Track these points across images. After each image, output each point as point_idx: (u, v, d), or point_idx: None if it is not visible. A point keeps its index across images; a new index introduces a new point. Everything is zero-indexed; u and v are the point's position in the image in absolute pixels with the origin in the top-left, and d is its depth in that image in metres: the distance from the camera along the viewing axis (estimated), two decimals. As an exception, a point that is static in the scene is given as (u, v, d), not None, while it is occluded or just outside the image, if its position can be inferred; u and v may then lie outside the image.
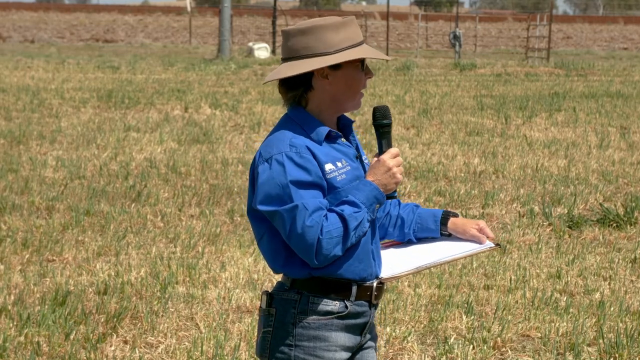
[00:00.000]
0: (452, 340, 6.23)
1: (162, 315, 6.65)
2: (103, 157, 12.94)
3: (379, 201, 3.27)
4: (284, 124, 3.34)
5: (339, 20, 3.33)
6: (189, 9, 56.13)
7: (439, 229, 3.53)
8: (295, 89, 3.33)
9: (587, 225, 9.38)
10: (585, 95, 21.98)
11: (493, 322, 6.54)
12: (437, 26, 63.93)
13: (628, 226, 9.36)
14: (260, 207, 3.25)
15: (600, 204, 10.01)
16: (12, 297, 6.96)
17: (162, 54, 40.62)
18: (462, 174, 12.10)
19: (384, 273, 3.40)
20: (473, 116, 17.89)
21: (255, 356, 3.47)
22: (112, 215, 9.53)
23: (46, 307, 6.66)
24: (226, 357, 5.91)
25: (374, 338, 3.53)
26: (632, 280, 7.70)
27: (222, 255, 8.23)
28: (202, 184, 11.20)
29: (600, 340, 6.19)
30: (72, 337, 6.16)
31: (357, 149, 3.44)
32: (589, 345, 6.21)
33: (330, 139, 3.34)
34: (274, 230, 3.28)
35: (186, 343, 6.15)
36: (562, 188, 11.24)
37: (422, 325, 6.52)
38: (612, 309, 6.88)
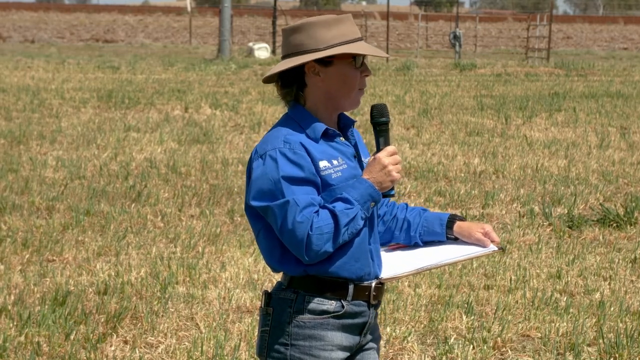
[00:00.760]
0: (452, 340, 6.23)
1: (162, 315, 6.64)
2: (103, 157, 12.94)
3: (374, 199, 3.26)
4: (283, 122, 3.36)
5: (332, 17, 3.34)
6: (189, 9, 56.14)
7: (445, 232, 3.52)
8: (289, 86, 3.36)
9: (587, 225, 9.38)
10: (585, 95, 21.98)
11: (493, 322, 6.54)
12: (437, 26, 63.93)
13: (628, 226, 9.36)
14: (253, 203, 3.26)
15: (600, 204, 10.01)
16: (12, 297, 6.96)
17: (162, 54, 40.63)
18: (462, 174, 12.10)
19: (385, 273, 3.40)
20: (473, 116, 17.90)
21: (255, 356, 3.46)
22: (112, 215, 9.53)
23: (46, 307, 6.66)
24: (226, 357, 5.91)
25: (377, 339, 3.52)
26: (632, 280, 7.70)
27: (222, 255, 8.23)
28: (202, 184, 11.20)
29: (600, 340, 6.19)
30: (72, 337, 6.16)
31: (357, 148, 3.44)
32: (589, 345, 6.21)
33: (327, 136, 3.34)
34: (269, 227, 3.29)
35: (186, 343, 6.15)
36: (562, 188, 11.24)
37: (422, 325, 6.52)
38: (612, 309, 6.88)
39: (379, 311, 3.56)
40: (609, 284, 7.56)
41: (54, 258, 8.11)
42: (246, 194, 3.33)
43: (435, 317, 6.63)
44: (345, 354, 3.37)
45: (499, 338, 6.25)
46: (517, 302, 7.01)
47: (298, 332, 3.31)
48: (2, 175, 11.54)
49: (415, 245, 3.54)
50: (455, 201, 10.49)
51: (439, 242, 3.54)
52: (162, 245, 8.54)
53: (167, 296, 7.02)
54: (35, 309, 6.65)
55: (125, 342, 6.19)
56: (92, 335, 6.20)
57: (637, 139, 15.19)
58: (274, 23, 40.15)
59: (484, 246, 3.49)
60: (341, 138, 3.39)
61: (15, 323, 6.41)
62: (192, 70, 28.57)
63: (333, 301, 3.32)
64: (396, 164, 3.29)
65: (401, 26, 70.81)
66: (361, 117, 15.51)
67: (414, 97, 21.27)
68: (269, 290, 3.40)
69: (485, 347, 6.11)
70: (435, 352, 6.08)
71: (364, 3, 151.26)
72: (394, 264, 3.44)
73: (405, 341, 6.21)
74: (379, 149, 3.34)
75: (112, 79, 25.05)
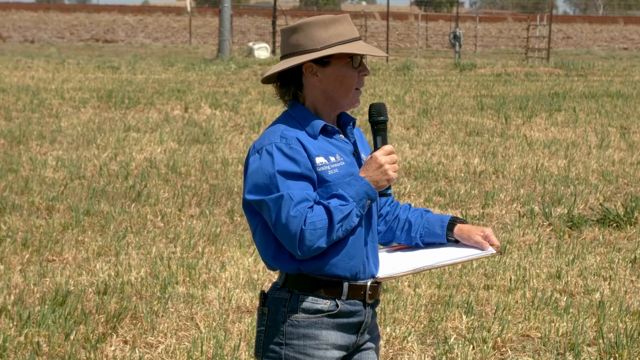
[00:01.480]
0: (452, 340, 6.23)
1: (162, 315, 6.64)
2: (103, 157, 12.94)
3: (370, 197, 3.26)
4: (282, 118, 3.37)
5: (329, 17, 3.35)
6: (189, 9, 56.12)
7: (446, 234, 3.52)
8: (287, 86, 3.37)
9: (587, 225, 9.38)
10: (585, 95, 21.98)
11: (493, 322, 6.54)
12: (437, 26, 63.93)
13: (628, 226, 9.36)
14: (248, 197, 3.28)
15: (600, 204, 10.01)
16: (12, 297, 6.96)
17: (162, 54, 40.63)
18: (462, 174, 12.10)
19: (381, 272, 3.41)
20: (473, 116, 17.90)
21: (254, 356, 3.47)
22: (112, 215, 9.53)
23: (46, 307, 6.65)
24: (226, 357, 5.91)
25: (376, 339, 3.52)
26: (632, 280, 7.70)
27: (222, 255, 8.23)
28: (202, 184, 11.20)
29: (600, 340, 6.19)
30: (72, 337, 6.16)
31: (356, 145, 3.44)
32: (589, 345, 6.21)
33: (326, 133, 3.35)
34: (266, 223, 3.29)
35: (186, 343, 6.15)
36: (562, 188, 11.24)
37: (422, 325, 6.52)
38: (612, 309, 6.88)
39: (378, 311, 3.56)
40: (609, 284, 7.56)
41: (54, 258, 8.11)
42: (243, 188, 3.35)
43: (435, 317, 6.63)
44: (341, 353, 3.37)
45: (498, 338, 6.25)
46: (517, 302, 7.01)
47: (292, 331, 3.31)
48: (2, 175, 11.54)
49: (416, 246, 3.55)
50: (455, 201, 10.49)
51: (440, 244, 3.54)
52: (162, 245, 8.53)
53: (167, 296, 7.02)
54: (35, 309, 6.65)
55: (125, 342, 6.19)
56: (92, 335, 6.19)
57: (637, 139, 15.19)
58: (273, 23, 40.14)
59: (482, 249, 3.49)
60: (340, 135, 3.39)
61: (15, 323, 6.41)
62: (192, 70, 28.57)
63: (327, 300, 3.32)
64: (393, 164, 3.29)
65: (401, 26, 70.81)
66: (361, 117, 15.50)
67: (413, 97, 21.27)
68: (265, 291, 3.41)
69: (485, 347, 6.10)
70: (435, 352, 6.08)
71: (364, 3, 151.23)
72: (391, 263, 3.45)
73: (405, 341, 6.21)
74: (376, 148, 3.34)
75: (112, 79, 25.05)
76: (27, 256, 8.11)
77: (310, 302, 3.31)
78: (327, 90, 3.34)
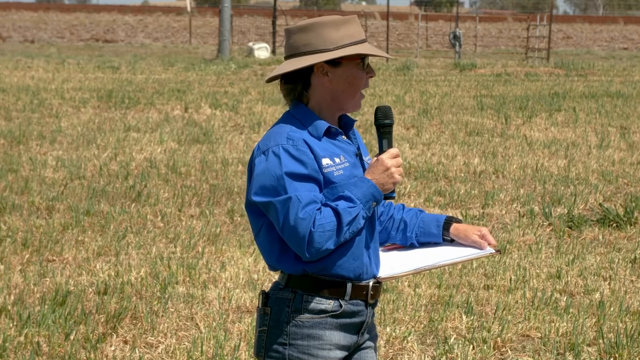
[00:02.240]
0: (452, 340, 6.23)
1: (162, 315, 6.65)
2: (103, 157, 12.94)
3: (376, 199, 3.27)
4: (284, 119, 3.37)
5: (339, 18, 3.35)
6: (189, 9, 56.12)
7: (441, 234, 3.53)
8: (293, 85, 3.35)
9: (587, 225, 9.38)
10: (585, 95, 21.98)
11: (493, 322, 6.54)
12: (437, 26, 63.92)
13: (628, 226, 9.36)
14: (255, 198, 3.27)
15: (600, 204, 10.01)
16: (12, 297, 6.96)
17: (162, 54, 40.63)
18: (462, 174, 12.10)
19: (382, 273, 3.41)
20: (473, 116, 17.90)
21: (254, 356, 3.46)
22: (112, 215, 9.53)
23: (46, 307, 6.65)
24: (226, 357, 5.91)
25: (374, 338, 3.53)
26: (632, 280, 7.70)
27: (222, 255, 8.23)
28: (202, 184, 11.20)
29: (600, 340, 6.19)
30: (72, 337, 6.16)
31: (358, 146, 3.44)
32: (589, 345, 6.21)
33: (330, 134, 3.35)
34: (271, 224, 3.29)
35: (186, 343, 6.15)
36: (562, 188, 11.25)
37: (422, 325, 6.52)
38: (612, 309, 6.88)
39: (376, 310, 3.56)
40: (609, 284, 7.56)
41: (54, 258, 8.11)
42: (247, 190, 3.34)
43: (435, 317, 6.63)
44: (343, 353, 3.38)
45: (498, 338, 6.25)
46: (517, 302, 7.01)
47: (296, 332, 3.31)
48: (2, 175, 11.54)
49: (412, 246, 3.55)
50: (455, 201, 10.49)
51: (435, 244, 3.54)
52: (162, 245, 8.54)
53: (167, 296, 7.02)
54: (35, 309, 6.65)
55: (125, 342, 6.19)
56: (92, 335, 6.20)
57: (637, 139, 15.19)
58: (273, 23, 40.14)
59: (480, 248, 3.49)
60: (343, 136, 3.39)
61: (15, 323, 6.41)
62: (192, 70, 28.57)
63: (331, 300, 3.32)
64: (398, 167, 3.30)
65: (401, 26, 70.82)
66: (361, 117, 15.51)
67: (414, 97, 21.27)
68: (267, 290, 3.41)
69: (485, 347, 6.11)
70: (435, 352, 6.08)
71: (364, 3, 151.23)
72: (392, 263, 3.45)
73: (405, 341, 6.21)
74: (382, 151, 3.34)
75: (112, 79, 25.05)
76: (27, 256, 8.11)
77: (315, 302, 3.31)
78: (335, 90, 3.34)
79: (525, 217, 9.78)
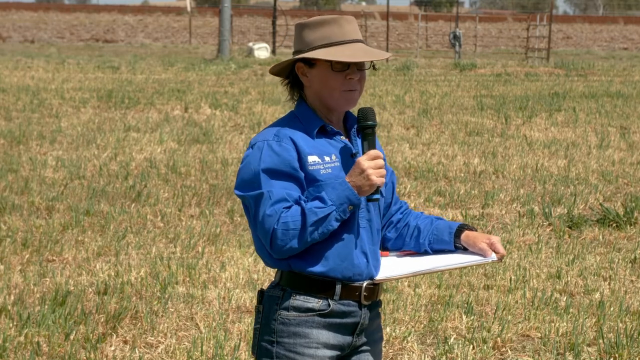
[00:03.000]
0: (452, 340, 6.23)
1: (162, 315, 6.65)
2: (103, 157, 12.94)
3: (352, 202, 3.24)
4: (285, 117, 3.41)
5: (321, 18, 3.36)
6: (189, 9, 56.13)
7: (453, 241, 3.49)
8: (292, 85, 3.42)
9: (587, 225, 9.38)
10: (585, 95, 21.98)
11: (493, 322, 6.54)
12: (437, 26, 63.93)
13: (628, 226, 9.36)
14: (235, 192, 3.32)
15: (600, 204, 10.01)
16: (12, 297, 6.96)
17: (162, 54, 40.63)
18: (462, 174, 12.10)
19: (380, 275, 3.40)
20: (473, 116, 17.90)
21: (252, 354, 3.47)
22: (112, 215, 9.53)
23: (46, 307, 6.65)
24: (226, 357, 5.91)
25: (377, 341, 3.50)
26: (632, 280, 7.70)
27: (222, 255, 8.23)
28: (202, 184, 11.20)
29: (600, 340, 6.19)
30: (72, 337, 6.16)
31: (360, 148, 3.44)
32: (589, 345, 6.21)
33: (327, 134, 3.36)
34: None
35: (186, 343, 6.15)
36: (562, 188, 11.25)
37: (422, 325, 6.52)
38: (612, 309, 6.88)
39: (381, 311, 3.54)
40: (609, 284, 7.56)
41: (54, 258, 8.11)
42: None
43: (435, 317, 6.63)
44: (334, 353, 3.35)
45: (498, 338, 6.25)
46: (517, 302, 7.01)
47: (283, 329, 3.32)
48: (2, 175, 11.54)
49: (425, 253, 3.51)
50: (455, 201, 10.49)
51: (449, 251, 3.50)
52: (162, 245, 8.54)
53: (167, 296, 7.02)
54: (35, 309, 6.65)
55: (125, 342, 6.19)
56: (92, 335, 6.20)
57: (637, 139, 15.19)
58: (273, 23, 40.14)
59: (484, 256, 3.45)
60: (342, 137, 3.39)
61: (15, 323, 6.41)
62: (192, 70, 28.57)
63: (319, 300, 3.32)
64: (378, 169, 3.25)
65: (401, 26, 70.82)
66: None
67: (413, 97, 21.27)
68: (264, 289, 3.42)
69: (485, 347, 6.11)
70: (435, 352, 6.08)
71: (363, 3, 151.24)
72: (393, 267, 3.44)
73: (405, 341, 6.21)
74: (363, 153, 3.33)
75: (112, 79, 25.05)
76: (27, 256, 8.11)
77: (302, 300, 3.31)
78: (316, 90, 3.37)
79: (525, 217, 9.78)
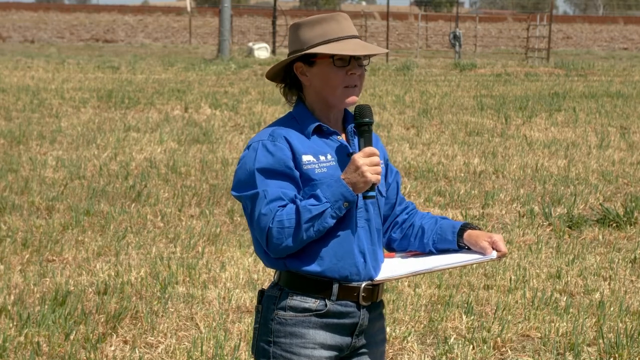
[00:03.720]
0: (452, 340, 6.23)
1: (162, 315, 6.65)
2: (103, 157, 12.94)
3: (347, 199, 3.23)
4: (283, 117, 3.41)
5: (317, 17, 3.37)
6: (189, 9, 56.13)
7: (456, 240, 3.47)
8: (288, 87, 3.41)
9: (587, 225, 9.38)
10: (585, 95, 21.98)
11: (493, 322, 6.54)
12: (437, 26, 63.92)
13: (628, 226, 9.36)
14: (232, 192, 3.33)
15: (600, 204, 10.01)
16: (12, 297, 6.96)
17: (162, 54, 40.63)
18: (462, 174, 12.10)
19: (380, 275, 3.38)
20: (473, 116, 17.90)
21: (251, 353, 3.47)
22: (112, 215, 9.53)
23: (46, 307, 6.65)
24: (226, 357, 5.91)
25: (377, 343, 3.48)
26: (632, 280, 7.70)
27: (222, 255, 8.23)
28: (202, 184, 11.20)
29: (600, 340, 6.19)
30: (72, 337, 6.16)
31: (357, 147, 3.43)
32: (589, 345, 6.21)
33: (323, 133, 3.36)
34: None
35: (186, 343, 6.15)
36: (562, 188, 11.25)
37: (422, 325, 6.52)
38: (612, 309, 6.88)
39: (384, 313, 3.52)
40: (609, 284, 7.56)
41: (54, 258, 8.11)
42: None
43: (435, 317, 6.63)
44: (332, 353, 3.34)
45: (498, 338, 6.25)
46: (517, 302, 7.01)
47: (279, 329, 3.32)
48: (2, 175, 11.54)
49: (430, 253, 3.50)
50: (455, 201, 10.49)
51: (453, 251, 3.48)
52: (162, 245, 8.54)
53: (167, 296, 7.02)
54: (35, 309, 6.65)
55: (125, 342, 6.19)
56: (92, 335, 6.20)
57: (637, 139, 15.19)
58: (273, 23, 40.13)
59: (484, 254, 3.43)
60: (338, 137, 3.39)
61: (15, 323, 6.41)
62: (192, 70, 28.57)
63: (316, 300, 3.31)
64: (373, 166, 3.24)
65: (401, 26, 70.82)
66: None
67: (413, 97, 21.27)
68: (264, 288, 3.43)
69: (485, 347, 6.11)
70: (435, 352, 6.08)
71: (363, 3, 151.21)
72: (394, 267, 3.43)
73: (405, 341, 6.21)
74: (359, 150, 3.33)
75: (112, 79, 25.05)
76: (27, 256, 8.11)
77: (299, 300, 3.31)
78: (316, 89, 3.36)
79: (525, 217, 9.78)
